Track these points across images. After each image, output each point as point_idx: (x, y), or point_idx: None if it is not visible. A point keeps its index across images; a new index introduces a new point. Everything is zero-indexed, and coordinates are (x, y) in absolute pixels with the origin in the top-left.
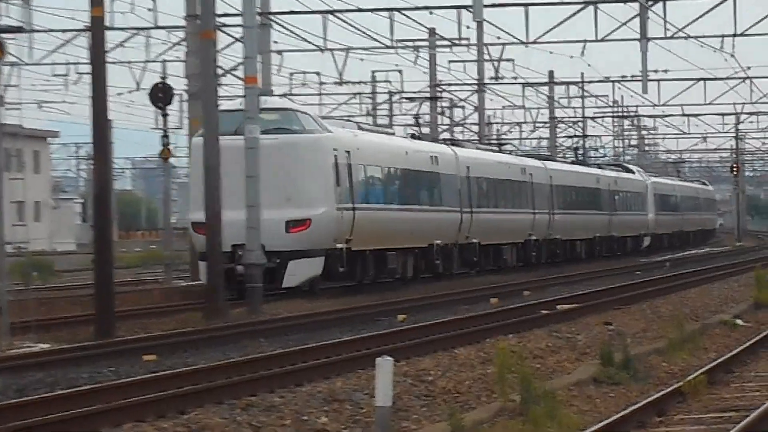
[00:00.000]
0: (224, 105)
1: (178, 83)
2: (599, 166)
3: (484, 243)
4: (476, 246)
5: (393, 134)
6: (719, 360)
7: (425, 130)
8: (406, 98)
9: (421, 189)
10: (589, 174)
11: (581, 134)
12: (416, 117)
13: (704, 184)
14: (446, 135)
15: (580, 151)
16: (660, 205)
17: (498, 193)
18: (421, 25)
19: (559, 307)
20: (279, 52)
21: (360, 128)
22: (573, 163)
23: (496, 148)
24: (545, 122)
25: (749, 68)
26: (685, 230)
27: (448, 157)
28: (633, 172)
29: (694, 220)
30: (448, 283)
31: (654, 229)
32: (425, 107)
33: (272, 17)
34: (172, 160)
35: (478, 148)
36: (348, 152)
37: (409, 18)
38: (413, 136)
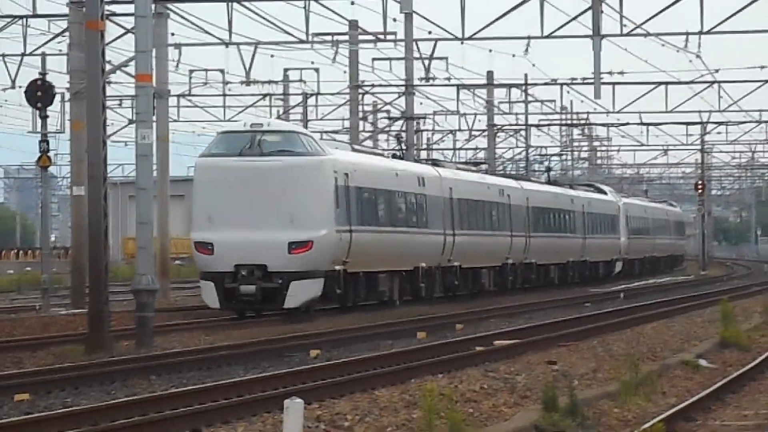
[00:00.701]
0: (228, 126)
1: (60, 80)
2: (571, 186)
3: (464, 266)
4: (457, 269)
5: (382, 155)
6: (679, 406)
7: (344, 137)
8: (388, 117)
9: (410, 211)
10: (564, 195)
11: (524, 144)
12: (398, 136)
13: (672, 205)
14: (369, 143)
15: (546, 169)
16: (632, 229)
17: (478, 215)
18: (341, 17)
19: (496, 343)
20: (177, 45)
21: (353, 149)
22: (547, 183)
23: (474, 168)
24: (483, 130)
25: (717, 71)
26: (656, 255)
27: (433, 178)
28: (605, 193)
29: (664, 245)
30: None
31: (626, 253)
32: (344, 110)
33: (169, 6)
34: (51, 168)
35: (457, 168)
36: (346, 174)
37: (327, 9)
38: (394, 156)
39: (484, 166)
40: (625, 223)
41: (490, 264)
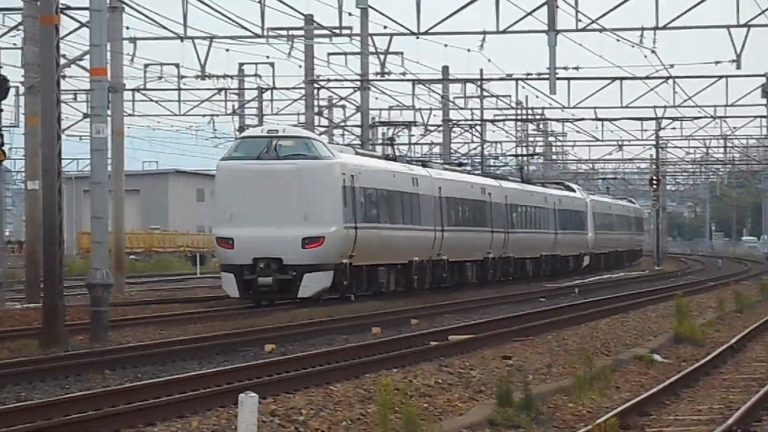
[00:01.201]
0: (248, 131)
1: (15, 74)
2: (543, 184)
3: (451, 260)
4: (445, 263)
5: (380, 157)
6: (633, 401)
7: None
8: (379, 123)
9: (406, 209)
10: (538, 193)
11: (479, 139)
12: (391, 139)
13: (631, 201)
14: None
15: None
16: (598, 225)
17: (463, 213)
18: (297, 11)
19: (451, 338)
20: (132, 39)
21: (356, 152)
22: (523, 181)
23: (459, 168)
24: (438, 125)
25: (672, 66)
26: (618, 250)
27: (425, 178)
28: (574, 190)
29: (626, 240)
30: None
31: (593, 248)
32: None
33: None
34: (6, 162)
35: (444, 168)
36: (352, 176)
37: (283, 3)
38: (387, 158)
39: (469, 167)
40: (592, 219)
41: (473, 258)
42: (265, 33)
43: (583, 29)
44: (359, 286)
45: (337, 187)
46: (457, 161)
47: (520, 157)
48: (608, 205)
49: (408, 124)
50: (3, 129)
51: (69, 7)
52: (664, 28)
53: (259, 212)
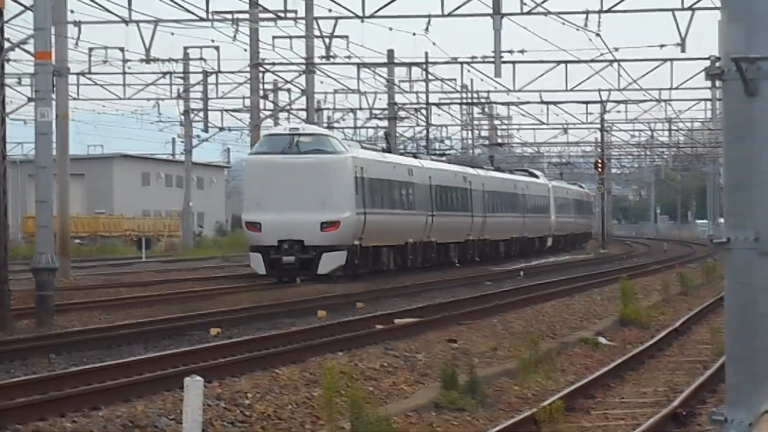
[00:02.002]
0: (272, 130)
1: None
2: (511, 172)
3: (438, 242)
4: (434, 244)
5: (381, 150)
6: (579, 384)
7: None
8: (376, 117)
9: (404, 196)
10: (510, 180)
11: (425, 123)
12: (386, 134)
13: (581, 186)
14: (270, 122)
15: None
16: (558, 208)
17: (449, 199)
18: None
19: (396, 321)
20: (76, 23)
21: (361, 146)
22: (496, 170)
23: (443, 159)
24: (383, 109)
25: (617, 50)
26: (574, 232)
27: (418, 168)
28: (537, 176)
29: (580, 223)
30: (274, 292)
31: (555, 230)
32: (245, 89)
33: None
34: None
35: (433, 159)
36: (362, 168)
37: None
38: (383, 150)
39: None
40: (553, 204)
41: (456, 240)
42: (210, 16)
43: (528, 13)
44: (366, 265)
45: (350, 178)
46: (440, 151)
47: (465, 140)
48: (566, 190)
49: (391, 118)
50: None
51: None
52: (609, 11)
53: (283, 200)
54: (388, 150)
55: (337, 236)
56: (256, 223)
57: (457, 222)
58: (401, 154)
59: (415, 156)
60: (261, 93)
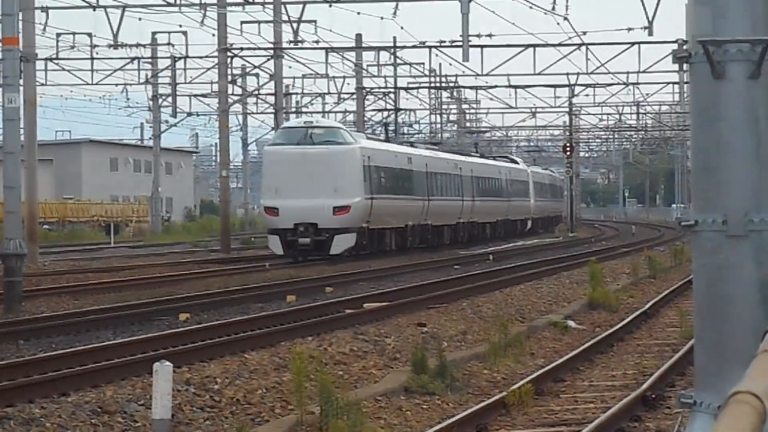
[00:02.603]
0: (288, 123)
1: None
2: (494, 159)
3: (434, 224)
4: (430, 227)
5: (383, 140)
6: (548, 367)
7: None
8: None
9: (405, 182)
10: (495, 166)
11: (393, 107)
12: (386, 125)
13: (552, 171)
14: (238, 107)
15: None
16: (536, 192)
17: (443, 184)
18: None
19: (366, 305)
20: (44, 8)
21: (367, 137)
22: (481, 156)
23: (436, 147)
24: (352, 93)
25: (585, 33)
26: (548, 216)
27: (416, 156)
28: (518, 163)
29: (554, 206)
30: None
31: (534, 213)
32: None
33: None
34: None
35: (428, 148)
36: (369, 157)
37: None
38: (386, 140)
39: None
40: (532, 188)
41: (449, 223)
42: (178, 2)
43: None
44: (372, 246)
45: (359, 167)
46: (432, 140)
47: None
48: (542, 175)
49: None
50: None
51: None
52: None
53: (298, 186)
54: (387, 139)
55: (347, 219)
56: (274, 208)
57: (450, 206)
58: (401, 143)
59: (411, 144)
60: (229, 78)
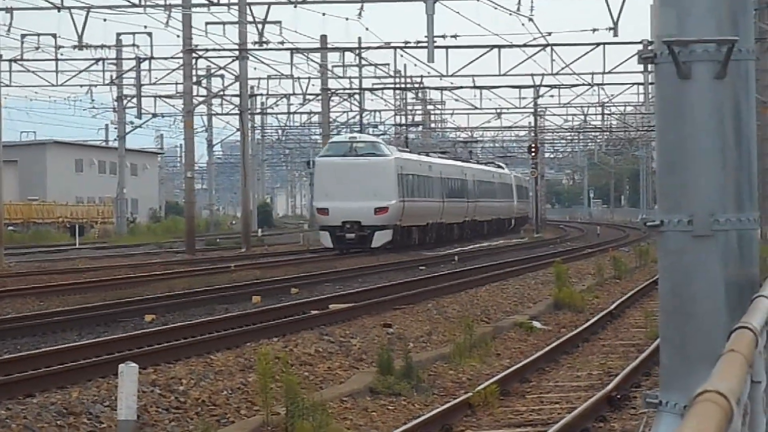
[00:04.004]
0: (335, 138)
1: None
2: (485, 164)
3: (448, 222)
4: (444, 224)
5: (410, 152)
6: (513, 368)
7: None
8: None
9: (427, 187)
10: (490, 171)
11: (358, 108)
12: (405, 138)
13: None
14: (203, 108)
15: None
16: (518, 194)
17: (454, 188)
18: None
19: (331, 306)
20: (8, 9)
21: (398, 149)
22: (476, 163)
23: (445, 155)
24: (317, 94)
25: (549, 34)
26: (521, 216)
27: (435, 164)
28: (503, 167)
29: (526, 207)
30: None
31: (516, 213)
32: (178, 75)
33: None
34: None
35: (439, 156)
36: (401, 166)
37: None
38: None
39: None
40: (515, 190)
41: (458, 221)
42: (143, 2)
43: None
44: (402, 241)
45: (394, 174)
46: (442, 150)
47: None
48: (521, 178)
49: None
50: None
51: None
52: None
53: (345, 191)
54: (407, 146)
55: (385, 218)
56: (325, 209)
57: (460, 206)
58: (419, 153)
59: (427, 154)
60: (194, 79)
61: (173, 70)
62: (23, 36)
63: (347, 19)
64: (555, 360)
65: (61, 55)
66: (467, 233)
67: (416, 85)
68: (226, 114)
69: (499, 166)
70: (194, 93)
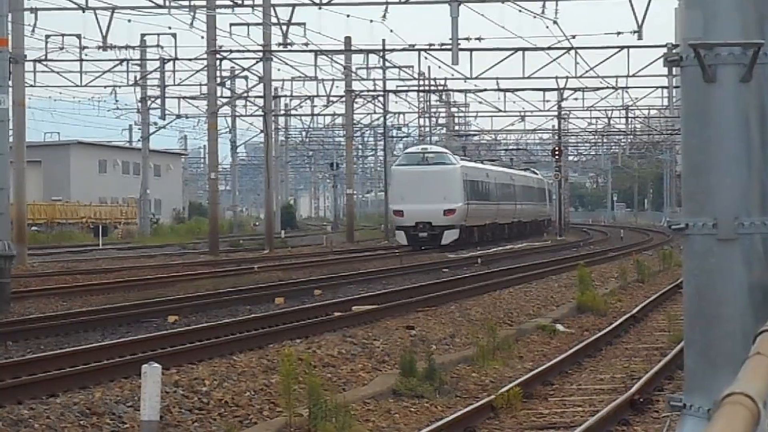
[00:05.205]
0: (409, 150)
1: None
2: (523, 170)
3: (500, 222)
4: (497, 225)
5: (469, 159)
6: (536, 370)
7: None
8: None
9: (486, 191)
10: (530, 177)
11: (382, 110)
12: (464, 147)
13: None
14: (227, 109)
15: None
16: (550, 197)
17: (506, 192)
18: None
19: (354, 308)
20: (33, 10)
21: (461, 158)
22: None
23: (492, 162)
24: (341, 96)
25: (574, 37)
26: (551, 218)
27: (491, 172)
28: (537, 173)
29: (554, 210)
30: (230, 279)
31: (549, 215)
32: (202, 76)
33: None
34: None
35: (483, 162)
36: (466, 173)
37: None
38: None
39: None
40: (548, 195)
41: (508, 221)
42: (167, 3)
43: (485, 0)
44: (467, 239)
45: (460, 181)
46: (491, 159)
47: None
48: (551, 183)
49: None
50: None
51: None
52: None
53: (418, 195)
54: (464, 156)
55: (453, 219)
56: (400, 211)
57: (509, 209)
58: (472, 160)
59: (482, 162)
60: (218, 80)
61: (197, 71)
62: (47, 36)
63: (371, 21)
64: (578, 363)
65: (86, 55)
66: (515, 232)
67: (440, 88)
68: (250, 115)
69: (534, 172)
70: (218, 94)
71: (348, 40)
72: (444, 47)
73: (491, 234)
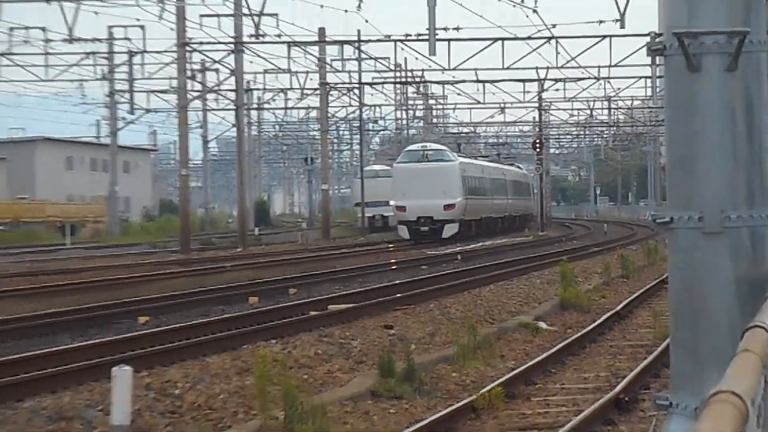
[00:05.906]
0: (409, 147)
1: None
2: (510, 164)
3: (493, 216)
4: (492, 218)
5: (466, 156)
6: (518, 370)
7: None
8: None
9: (482, 187)
10: (518, 172)
11: (358, 103)
12: (459, 145)
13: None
14: (198, 103)
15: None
16: (533, 192)
17: (498, 187)
18: None
19: (330, 307)
20: None
21: (457, 155)
22: (503, 163)
23: (487, 159)
24: (315, 89)
25: (554, 26)
26: (533, 213)
27: (485, 167)
28: (521, 168)
29: (534, 204)
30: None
31: (533, 209)
32: (171, 69)
33: None
34: None
35: (478, 159)
36: (464, 170)
37: None
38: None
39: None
40: (532, 189)
41: (500, 215)
42: None
43: None
44: (465, 232)
45: (459, 177)
46: (485, 155)
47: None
48: (536, 177)
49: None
50: None
51: None
52: None
53: (419, 191)
54: (459, 152)
55: (453, 213)
56: (403, 206)
57: (502, 203)
58: (471, 157)
59: (475, 158)
60: (188, 73)
61: (167, 64)
62: (11, 29)
63: (346, 11)
64: (561, 361)
65: (51, 49)
66: (506, 226)
67: (417, 79)
68: (222, 109)
69: (518, 167)
70: (188, 88)
71: (322, 31)
72: (421, 37)
73: (486, 228)
